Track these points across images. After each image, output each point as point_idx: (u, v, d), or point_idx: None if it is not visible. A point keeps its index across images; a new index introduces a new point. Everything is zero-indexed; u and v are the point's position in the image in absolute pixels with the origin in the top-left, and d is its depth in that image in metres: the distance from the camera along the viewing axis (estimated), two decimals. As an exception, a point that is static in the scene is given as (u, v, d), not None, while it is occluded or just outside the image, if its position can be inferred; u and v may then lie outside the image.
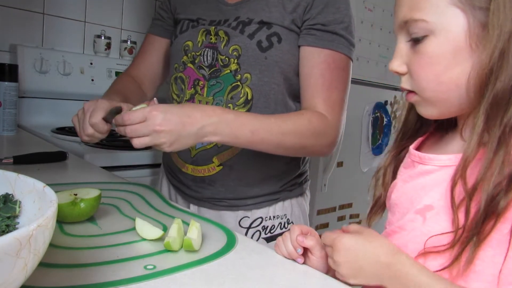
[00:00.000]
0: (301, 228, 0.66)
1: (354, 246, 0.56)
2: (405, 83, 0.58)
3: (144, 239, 0.66)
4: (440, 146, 0.63)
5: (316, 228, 2.07)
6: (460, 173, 0.52)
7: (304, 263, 0.65)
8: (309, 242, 0.64)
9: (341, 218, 2.24)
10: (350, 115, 1.97)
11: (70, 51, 1.73)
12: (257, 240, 1.00)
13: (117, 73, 1.83)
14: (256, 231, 1.01)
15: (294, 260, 0.65)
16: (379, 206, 0.67)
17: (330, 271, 0.67)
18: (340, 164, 2.12)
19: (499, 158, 0.50)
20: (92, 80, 1.75)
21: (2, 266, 0.33)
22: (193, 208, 1.04)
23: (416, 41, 0.55)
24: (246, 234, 1.00)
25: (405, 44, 0.57)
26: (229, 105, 0.95)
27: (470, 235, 0.51)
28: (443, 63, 0.53)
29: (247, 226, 1.01)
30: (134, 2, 1.96)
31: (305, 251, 0.65)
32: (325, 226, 2.13)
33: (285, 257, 0.66)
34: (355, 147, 2.24)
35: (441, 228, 0.54)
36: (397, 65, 0.58)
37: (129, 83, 1.12)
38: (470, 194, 0.51)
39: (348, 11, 0.96)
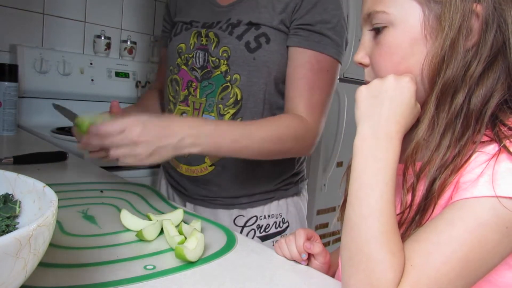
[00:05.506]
0: (306, 232, 0.66)
1: None
2: (368, 76, 0.61)
3: (141, 240, 0.66)
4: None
5: (316, 228, 2.07)
6: (411, 156, 0.54)
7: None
8: (316, 249, 0.64)
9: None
10: (350, 115, 1.98)
11: (70, 51, 1.73)
12: (251, 239, 1.01)
13: (117, 73, 1.83)
14: (251, 230, 1.02)
15: (294, 260, 0.65)
16: None
17: (330, 272, 0.67)
18: (340, 164, 2.11)
19: (445, 142, 0.52)
20: (92, 80, 1.75)
21: (2, 266, 0.33)
22: (189, 206, 1.05)
23: (377, 32, 0.57)
24: (241, 232, 1.01)
25: (368, 37, 0.59)
26: (220, 105, 0.96)
27: (414, 215, 0.53)
28: (400, 53, 0.56)
29: (242, 224, 1.02)
30: (134, 2, 1.96)
31: (308, 254, 0.66)
32: (325, 226, 2.13)
33: (286, 258, 0.66)
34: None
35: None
36: (361, 56, 0.60)
37: (151, 96, 1.20)
38: (417, 175, 0.53)
39: (337, 11, 0.94)
